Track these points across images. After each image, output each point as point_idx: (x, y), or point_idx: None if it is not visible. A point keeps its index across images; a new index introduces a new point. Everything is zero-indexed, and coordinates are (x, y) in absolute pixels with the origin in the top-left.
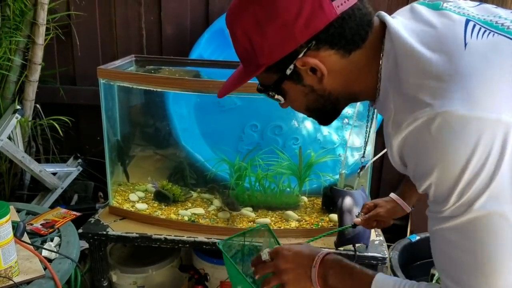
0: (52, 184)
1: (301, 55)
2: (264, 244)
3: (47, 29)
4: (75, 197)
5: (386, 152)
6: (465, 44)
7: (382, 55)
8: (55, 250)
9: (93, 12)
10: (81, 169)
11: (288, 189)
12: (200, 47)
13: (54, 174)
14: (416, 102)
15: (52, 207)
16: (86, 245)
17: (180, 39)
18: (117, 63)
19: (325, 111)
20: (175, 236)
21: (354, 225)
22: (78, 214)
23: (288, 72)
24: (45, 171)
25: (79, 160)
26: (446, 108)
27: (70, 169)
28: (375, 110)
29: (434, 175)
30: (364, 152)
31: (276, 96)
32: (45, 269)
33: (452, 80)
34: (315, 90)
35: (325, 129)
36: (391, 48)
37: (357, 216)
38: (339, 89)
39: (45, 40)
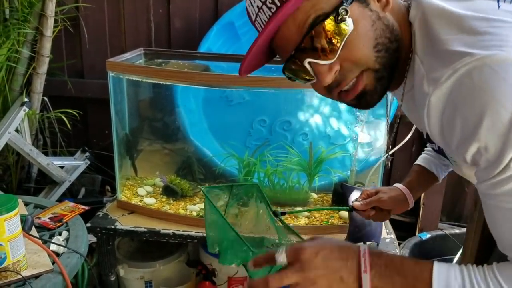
0: (60, 177)
1: None
2: (251, 206)
3: (55, 21)
4: (83, 190)
5: (397, 148)
6: (499, 6)
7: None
8: (63, 245)
9: (102, 4)
10: (88, 162)
11: (297, 185)
12: (209, 41)
13: (62, 167)
14: (451, 54)
15: (59, 200)
16: (94, 239)
17: (189, 32)
18: (126, 56)
19: (392, 55)
20: (183, 231)
21: (351, 209)
22: (86, 208)
23: None
24: (53, 164)
25: (87, 154)
26: (486, 53)
27: (78, 163)
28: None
29: (484, 127)
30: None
31: (347, 20)
32: (53, 263)
33: (488, 32)
34: (381, 18)
35: (334, 124)
36: (416, 14)
37: (353, 202)
38: (397, 27)
39: (53, 32)
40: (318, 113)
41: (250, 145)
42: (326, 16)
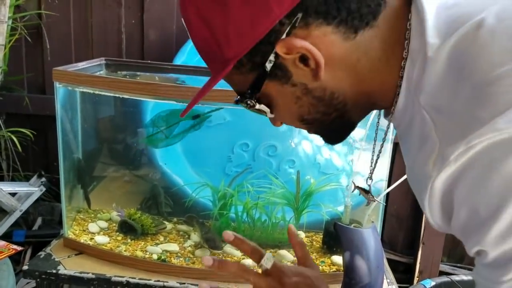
0: (9, 206)
1: (283, 36)
2: None
3: (13, 29)
4: (39, 220)
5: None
6: None
7: (407, 42)
8: None
9: (67, 13)
10: (44, 189)
11: (282, 222)
12: (186, 54)
13: (14, 194)
14: (471, 119)
15: (7, 233)
16: None
17: (164, 45)
18: (81, 65)
19: (330, 123)
20: (139, 279)
21: None
22: (19, 249)
23: (268, 66)
24: (1, 190)
25: (43, 179)
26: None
27: (32, 189)
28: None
29: (500, 223)
30: (372, 173)
31: (258, 107)
32: None
33: None
34: (310, 91)
35: (326, 151)
36: (440, 45)
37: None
38: (345, 87)
39: (10, 41)
40: (307, 139)
41: (230, 172)
42: (239, 100)
